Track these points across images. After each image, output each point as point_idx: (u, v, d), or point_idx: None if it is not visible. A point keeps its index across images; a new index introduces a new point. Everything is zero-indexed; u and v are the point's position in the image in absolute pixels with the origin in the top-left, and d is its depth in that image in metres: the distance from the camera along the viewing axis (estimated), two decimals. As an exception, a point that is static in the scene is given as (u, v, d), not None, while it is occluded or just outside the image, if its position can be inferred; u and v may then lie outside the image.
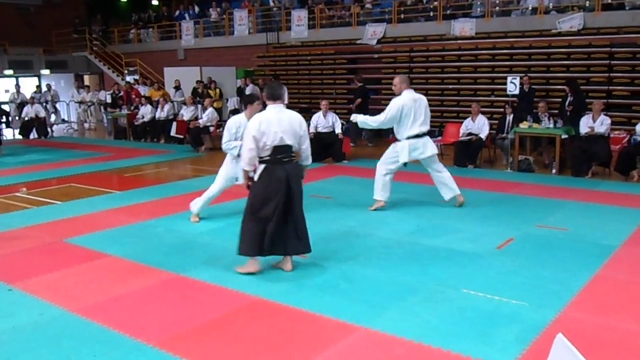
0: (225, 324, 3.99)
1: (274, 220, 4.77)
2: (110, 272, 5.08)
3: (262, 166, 4.82)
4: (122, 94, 17.95)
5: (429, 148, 7.08)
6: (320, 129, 11.03)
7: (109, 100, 18.23)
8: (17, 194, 8.60)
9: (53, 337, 3.82)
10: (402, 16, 15.93)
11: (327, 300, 4.33)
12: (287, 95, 13.55)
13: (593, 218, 6.62)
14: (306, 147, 5.00)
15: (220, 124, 15.61)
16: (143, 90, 18.51)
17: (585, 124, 9.33)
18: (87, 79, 24.22)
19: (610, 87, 11.98)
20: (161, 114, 14.93)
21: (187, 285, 4.73)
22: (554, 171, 9.61)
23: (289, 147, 4.83)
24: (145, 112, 15.19)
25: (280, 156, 4.79)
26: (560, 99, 11.50)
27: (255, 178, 4.86)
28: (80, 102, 20.15)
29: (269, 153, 4.77)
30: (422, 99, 7.11)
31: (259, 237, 4.81)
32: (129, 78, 21.15)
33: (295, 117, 4.93)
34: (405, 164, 7.10)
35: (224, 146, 6.46)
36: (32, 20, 23.76)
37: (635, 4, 12.48)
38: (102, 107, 19.44)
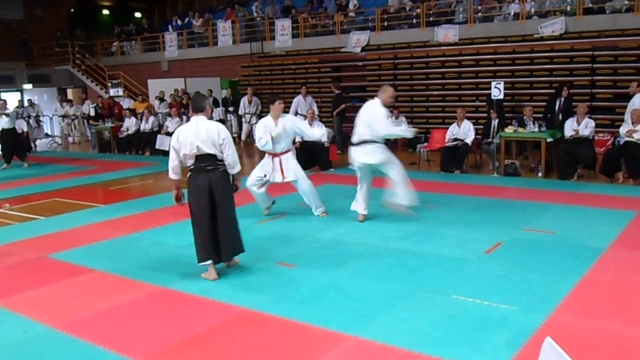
0: (213, 336, 3.95)
1: (204, 227, 5.05)
2: (95, 287, 5.02)
3: (188, 174, 5.13)
4: (104, 107, 17.84)
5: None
6: (306, 138, 11.01)
7: (92, 112, 18.11)
8: (0, 210, 8.49)
9: (37, 355, 3.76)
10: (386, 24, 16.01)
11: (315, 310, 4.31)
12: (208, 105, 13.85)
13: (579, 221, 6.66)
14: (229, 155, 5.11)
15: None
16: (128, 103, 18.42)
17: (570, 127, 9.41)
18: (70, 93, 24.06)
19: (594, 90, 12.10)
20: (146, 126, 14.85)
21: (173, 298, 4.68)
22: (540, 175, 9.67)
23: (211, 155, 5.03)
24: (130, 125, 15.11)
25: (203, 164, 5.04)
26: (544, 103, 11.59)
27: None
28: (64, 116, 20.00)
29: (193, 162, 5.07)
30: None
31: (202, 244, 5.07)
32: (112, 91, 21.03)
33: (214, 126, 5.09)
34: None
35: (259, 146, 7.10)
36: (14, 35, 23.57)
37: (616, 7, 12.66)
38: (85, 121, 19.30)
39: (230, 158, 5.11)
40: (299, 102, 13.32)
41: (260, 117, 14.41)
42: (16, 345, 3.92)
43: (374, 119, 6.71)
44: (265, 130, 7.00)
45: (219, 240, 5.07)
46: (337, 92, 13.73)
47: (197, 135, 4.99)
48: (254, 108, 15.67)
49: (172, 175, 5.22)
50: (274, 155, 7.13)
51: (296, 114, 12.44)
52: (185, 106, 16.70)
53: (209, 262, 5.07)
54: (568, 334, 3.79)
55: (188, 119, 13.46)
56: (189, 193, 5.14)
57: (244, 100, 15.72)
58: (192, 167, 5.09)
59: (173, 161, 5.13)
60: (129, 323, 4.23)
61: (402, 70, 14.96)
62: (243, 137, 15.84)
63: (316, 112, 11.91)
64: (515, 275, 4.91)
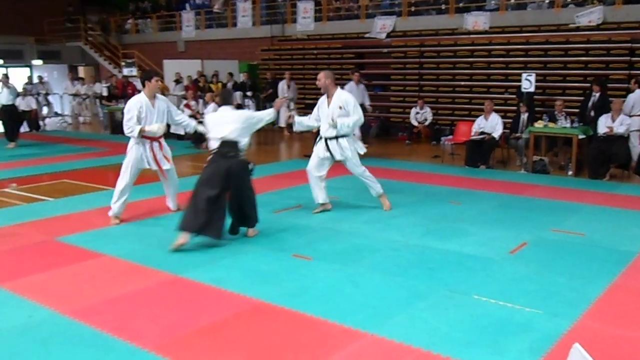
0: (224, 328, 3.99)
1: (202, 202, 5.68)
2: (105, 273, 5.08)
3: (210, 157, 6.12)
4: (117, 86, 17.97)
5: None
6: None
7: (104, 93, 18.25)
8: (7, 190, 8.62)
9: (42, 341, 3.81)
10: (413, 9, 15.91)
11: (331, 305, 4.33)
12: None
13: (611, 223, 6.59)
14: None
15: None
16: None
17: (604, 124, 9.30)
18: (81, 71, 24.25)
19: (631, 85, 11.91)
20: (160, 108, 14.92)
21: (185, 287, 4.73)
22: (570, 173, 9.58)
23: (233, 143, 5.89)
24: (143, 106, 15.18)
25: (225, 150, 5.90)
26: (577, 97, 11.45)
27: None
28: (75, 95, 20.18)
29: (216, 146, 6.00)
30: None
31: (192, 216, 5.79)
32: (126, 70, 21.16)
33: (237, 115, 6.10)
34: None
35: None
36: (22, 8, 23.76)
37: (659, -3, 12.42)
38: (97, 101, 19.46)
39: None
40: (351, 89, 12.01)
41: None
42: (20, 329, 3.98)
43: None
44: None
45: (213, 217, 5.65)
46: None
47: (223, 122, 5.91)
48: (292, 93, 15.57)
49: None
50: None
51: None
52: (202, 89, 16.77)
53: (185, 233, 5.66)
54: (595, 341, 3.76)
55: (205, 103, 13.61)
56: (205, 171, 5.87)
57: (282, 85, 15.63)
58: (215, 151, 5.93)
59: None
60: (139, 311, 4.28)
61: (428, 58, 14.86)
62: (283, 123, 15.51)
63: (367, 104, 11.80)
64: (541, 277, 4.89)
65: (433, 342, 3.73)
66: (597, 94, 10.42)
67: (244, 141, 5.97)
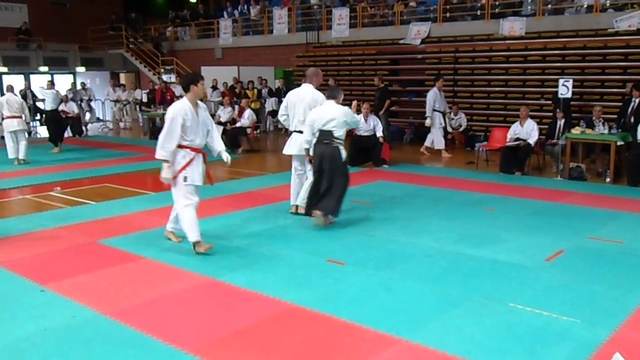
0: (259, 331, 4.02)
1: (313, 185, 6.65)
2: (144, 275, 5.18)
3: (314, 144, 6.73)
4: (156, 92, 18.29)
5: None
6: (361, 132, 11.02)
7: (144, 99, 18.60)
8: (51, 193, 8.84)
9: (85, 341, 3.90)
10: (448, 15, 15.81)
11: (365, 310, 4.32)
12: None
13: (651, 231, 6.43)
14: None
15: (258, 125, 15.79)
16: (179, 90, 18.81)
17: (644, 130, 9.08)
18: (122, 77, 24.76)
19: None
20: (197, 114, 15.12)
21: (222, 290, 4.78)
22: (608, 180, 9.37)
23: (329, 132, 6.51)
24: (181, 112, 15.40)
25: (322, 138, 6.57)
26: (616, 103, 11.21)
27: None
28: (116, 101, 20.61)
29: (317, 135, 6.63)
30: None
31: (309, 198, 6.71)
32: (165, 77, 21.53)
33: (341, 110, 6.68)
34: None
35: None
36: (68, 17, 24.39)
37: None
38: (137, 106, 19.85)
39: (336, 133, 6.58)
40: (436, 96, 12.30)
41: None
42: (65, 329, 4.08)
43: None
44: None
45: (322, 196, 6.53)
46: (381, 86, 13.22)
47: (326, 114, 6.55)
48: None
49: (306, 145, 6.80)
50: None
51: (433, 110, 12.24)
52: (238, 95, 16.94)
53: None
54: (636, 351, 3.67)
55: (241, 109, 13.76)
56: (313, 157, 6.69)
57: None
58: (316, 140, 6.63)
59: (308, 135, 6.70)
60: (177, 313, 4.34)
61: (463, 64, 14.74)
62: None
63: (378, 134, 11.26)
64: (579, 285, 4.79)
65: (468, 349, 3.69)
66: (637, 100, 10.18)
67: (339, 132, 6.57)
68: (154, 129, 16.52)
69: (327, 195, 6.55)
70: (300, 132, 7.05)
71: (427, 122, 12.32)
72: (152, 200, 8.22)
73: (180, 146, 5.70)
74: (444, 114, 12.47)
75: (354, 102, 11.23)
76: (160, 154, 5.67)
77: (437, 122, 12.28)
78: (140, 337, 3.94)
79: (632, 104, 10.27)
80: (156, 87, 18.42)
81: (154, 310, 4.41)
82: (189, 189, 5.74)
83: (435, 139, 12.44)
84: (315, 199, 6.60)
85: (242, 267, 5.33)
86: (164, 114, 16.86)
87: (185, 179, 5.72)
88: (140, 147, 14.38)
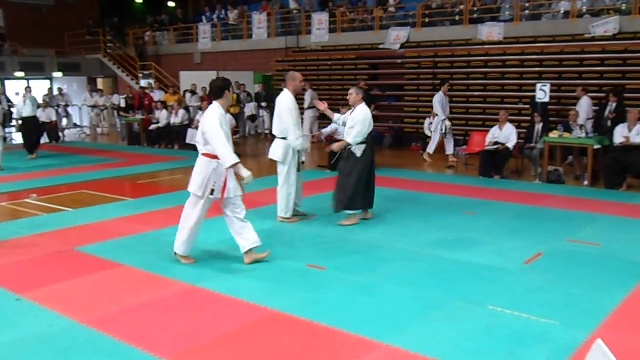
0: (240, 337, 4.01)
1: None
2: (122, 282, 5.13)
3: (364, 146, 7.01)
4: (134, 98, 18.17)
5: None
6: (341, 137, 11.03)
7: (122, 104, 18.46)
8: (27, 200, 8.73)
9: (61, 350, 3.85)
10: (427, 20, 15.93)
11: (346, 315, 4.33)
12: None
13: (627, 233, 6.53)
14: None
15: (237, 130, 15.74)
16: (158, 95, 18.70)
17: (620, 134, 9.22)
18: (100, 82, 24.54)
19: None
20: (175, 119, 15.07)
21: (201, 297, 4.76)
22: (585, 183, 9.51)
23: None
24: (161, 117, 15.35)
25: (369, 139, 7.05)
26: (593, 107, 11.38)
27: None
28: (93, 106, 20.41)
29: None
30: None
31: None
32: (143, 82, 21.38)
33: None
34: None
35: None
36: (44, 21, 24.12)
37: (675, 7, 12.34)
38: (115, 112, 19.68)
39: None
40: (442, 100, 12.24)
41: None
42: (40, 338, 4.03)
43: (282, 112, 7.00)
44: None
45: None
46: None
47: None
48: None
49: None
50: None
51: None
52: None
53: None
54: (613, 352, 3.72)
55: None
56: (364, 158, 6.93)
57: (309, 94, 15.54)
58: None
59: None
60: (156, 320, 4.31)
61: (442, 69, 14.85)
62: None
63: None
64: (557, 288, 4.85)
65: (448, 352, 3.71)
66: (614, 104, 10.35)
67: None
68: (132, 135, 16.43)
69: (336, 192, 7.04)
70: (284, 138, 7.06)
71: (447, 124, 12.16)
72: (130, 207, 8.16)
73: (213, 156, 5.39)
74: (445, 119, 12.26)
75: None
76: (232, 158, 5.30)
77: (438, 127, 12.17)
78: (119, 345, 3.90)
79: (608, 107, 10.44)
80: (132, 94, 18.32)
81: (132, 317, 4.37)
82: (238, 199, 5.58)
83: (431, 144, 12.39)
84: (369, 197, 7.10)
85: (222, 273, 5.31)
86: (142, 119, 16.76)
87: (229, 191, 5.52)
88: (118, 153, 14.25)
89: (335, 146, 7.32)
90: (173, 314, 4.42)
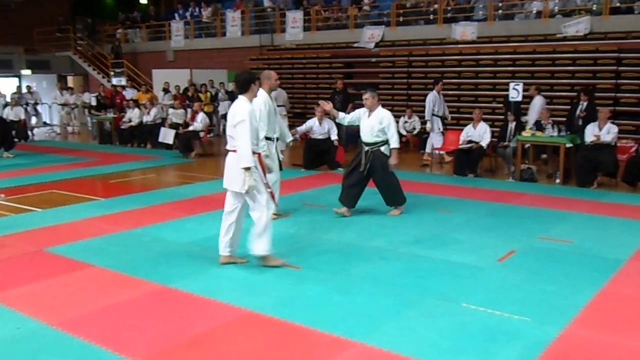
0: (214, 338, 3.98)
1: None
2: (93, 284, 5.06)
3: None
4: (105, 96, 17.94)
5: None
6: (315, 135, 11.06)
7: (93, 102, 18.22)
8: (-4, 201, 8.57)
9: (30, 353, 3.78)
10: (401, 19, 16.02)
11: (321, 314, 4.33)
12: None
13: (599, 230, 6.65)
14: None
15: (211, 128, 15.64)
16: (130, 93, 18.50)
17: (591, 133, 9.38)
18: (70, 80, 24.19)
19: (618, 95, 12.06)
20: (148, 118, 14.92)
21: (174, 297, 4.71)
22: (557, 181, 9.65)
23: None
24: (133, 116, 15.18)
25: None
26: (565, 106, 11.56)
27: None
28: (63, 105, 20.10)
29: None
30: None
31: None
32: (115, 80, 21.12)
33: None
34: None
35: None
36: (13, 17, 23.66)
37: (644, 7, 12.60)
38: (86, 110, 19.41)
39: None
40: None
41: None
42: (9, 341, 3.95)
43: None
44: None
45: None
46: (342, 88, 13.46)
47: None
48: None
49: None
50: None
51: (433, 114, 11.89)
52: (190, 98, 16.76)
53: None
54: (584, 348, 3.79)
55: (194, 112, 13.61)
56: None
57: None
58: None
59: None
60: (128, 322, 4.26)
61: (416, 68, 14.96)
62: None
63: (332, 137, 11.21)
64: (530, 285, 4.91)
65: (422, 350, 3.73)
66: (585, 103, 10.51)
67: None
68: (104, 134, 16.22)
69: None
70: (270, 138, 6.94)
71: (427, 126, 11.93)
72: (101, 207, 8.05)
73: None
74: (443, 118, 12.12)
75: (319, 109, 11.19)
76: (249, 161, 5.13)
77: (436, 127, 12.03)
78: (89, 347, 3.84)
79: (580, 106, 10.61)
80: (104, 92, 18.10)
81: (103, 319, 4.31)
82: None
83: (435, 144, 12.29)
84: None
85: (195, 273, 5.27)
86: (114, 118, 16.58)
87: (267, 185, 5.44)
88: (89, 152, 14.06)
89: (396, 160, 7.45)
90: (145, 315, 4.37)
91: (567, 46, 12.88)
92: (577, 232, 6.55)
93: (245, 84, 5.41)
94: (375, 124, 7.28)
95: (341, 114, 7.75)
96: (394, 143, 7.32)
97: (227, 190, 5.43)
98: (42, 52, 23.58)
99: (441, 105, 12.18)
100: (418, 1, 16.18)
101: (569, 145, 9.59)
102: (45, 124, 20.26)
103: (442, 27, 14.98)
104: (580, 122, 10.30)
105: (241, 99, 5.38)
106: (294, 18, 17.82)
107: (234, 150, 5.29)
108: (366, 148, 7.38)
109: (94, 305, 4.55)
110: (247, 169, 5.12)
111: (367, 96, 7.36)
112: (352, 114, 7.66)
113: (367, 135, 7.38)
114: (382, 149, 7.35)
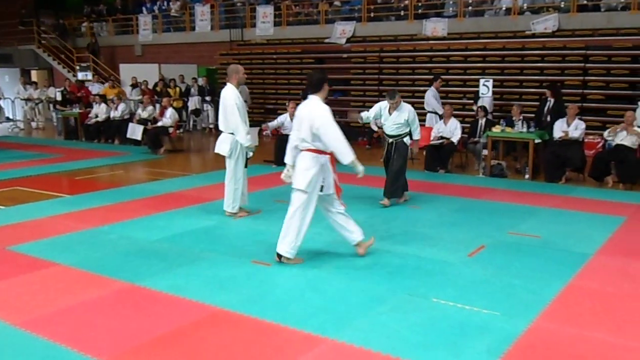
0: (183, 336, 3.95)
1: None
2: (59, 282, 4.98)
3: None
4: (71, 91, 17.64)
5: None
6: (287, 131, 11.01)
7: (59, 97, 17.89)
8: (-44, 198, 8.36)
9: (-6, 353, 3.72)
10: (372, 15, 16.07)
11: (291, 311, 4.33)
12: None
13: (566, 225, 6.78)
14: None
15: (180, 124, 15.51)
16: (97, 88, 18.22)
17: (559, 129, 9.55)
18: (34, 75, 23.70)
19: (585, 91, 12.29)
20: (115, 113, 14.71)
21: (142, 296, 4.66)
22: (527, 177, 9.80)
23: None
24: (99, 111, 14.95)
25: None
26: (534, 102, 11.74)
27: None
28: (27, 100, 19.71)
29: None
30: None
31: None
32: (80, 75, 20.78)
33: None
34: None
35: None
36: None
37: (611, 5, 12.86)
38: (51, 105, 19.06)
39: None
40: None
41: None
42: (-29, 341, 3.87)
43: (228, 108, 6.93)
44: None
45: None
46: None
47: None
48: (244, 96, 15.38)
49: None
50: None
51: (429, 111, 12.13)
52: (159, 93, 16.59)
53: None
54: (551, 341, 3.86)
55: (162, 108, 13.48)
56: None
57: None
58: None
59: None
60: (94, 321, 4.20)
61: (387, 64, 15.03)
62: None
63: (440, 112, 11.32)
64: (499, 279, 4.99)
65: (392, 345, 3.76)
66: (552, 100, 10.69)
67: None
68: (69, 129, 15.96)
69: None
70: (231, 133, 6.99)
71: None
72: (67, 204, 7.92)
73: (321, 151, 5.34)
74: (441, 116, 11.87)
75: (291, 104, 11.11)
76: (351, 153, 5.30)
77: (434, 124, 12.10)
78: (54, 347, 3.78)
79: (548, 103, 10.78)
80: (70, 87, 17.80)
81: (69, 319, 4.24)
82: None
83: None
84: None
85: (163, 270, 5.22)
86: (80, 113, 16.30)
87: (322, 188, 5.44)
88: (54, 148, 13.81)
89: (417, 147, 8.21)
90: (111, 314, 4.31)
91: (536, 43, 13.07)
92: (546, 227, 6.66)
93: (318, 84, 5.43)
94: (400, 118, 7.78)
95: (364, 114, 8.13)
96: (417, 135, 7.91)
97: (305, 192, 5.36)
98: (4, 45, 23.02)
99: (439, 102, 12.28)
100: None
101: (537, 141, 9.74)
102: (8, 119, 19.82)
103: (413, 23, 15.06)
104: (549, 119, 10.48)
105: (313, 99, 5.39)
106: (265, 13, 17.74)
107: (317, 150, 5.31)
108: (390, 140, 7.94)
109: (59, 305, 4.48)
110: (354, 160, 5.29)
111: (396, 99, 7.76)
112: (372, 110, 8.05)
113: (392, 128, 7.88)
114: (405, 140, 7.86)
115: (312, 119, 5.23)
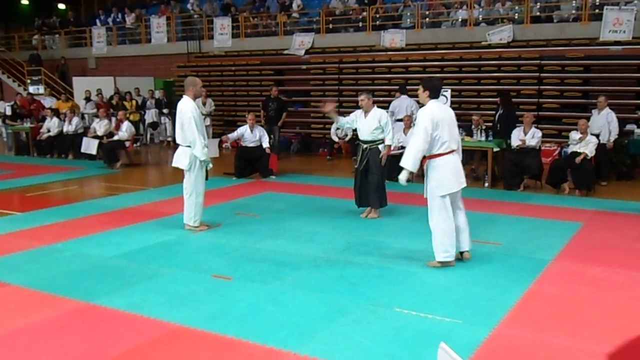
0: (141, 356, 3.86)
1: None
2: (8, 304, 4.81)
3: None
4: (22, 105, 17.22)
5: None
6: (246, 143, 10.98)
7: (8, 112, 17.44)
8: None
9: (-61, 379, 3.57)
10: (331, 26, 16.19)
11: (253, 325, 4.28)
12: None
13: (525, 232, 6.90)
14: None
15: (137, 137, 15.30)
16: (49, 102, 17.84)
17: (517, 137, 9.75)
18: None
19: (540, 100, 12.60)
20: (69, 127, 14.42)
21: (97, 315, 4.55)
22: (486, 185, 9.96)
23: None
24: (51, 126, 14.63)
25: None
26: (491, 111, 11.97)
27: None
28: (-25, 114, 19.15)
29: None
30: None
31: None
32: (32, 88, 20.32)
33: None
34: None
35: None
36: None
37: (563, 17, 13.27)
38: (0, 120, 18.55)
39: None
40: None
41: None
42: None
43: (185, 121, 6.92)
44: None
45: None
46: (277, 96, 13.60)
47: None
48: (209, 108, 15.29)
49: None
50: None
51: (392, 114, 11.81)
52: (115, 107, 16.33)
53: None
54: (512, 347, 3.91)
55: (118, 121, 13.26)
56: None
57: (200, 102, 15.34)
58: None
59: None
60: (47, 342, 4.07)
61: (347, 75, 15.14)
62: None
63: (264, 145, 10.96)
64: (461, 287, 5.04)
65: (356, 357, 3.75)
66: (503, 109, 10.93)
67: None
68: (20, 144, 15.56)
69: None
70: (188, 146, 6.95)
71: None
72: (18, 221, 7.70)
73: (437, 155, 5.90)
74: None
75: (250, 116, 11.08)
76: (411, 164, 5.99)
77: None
78: (4, 371, 3.66)
79: (499, 112, 11.03)
80: (18, 102, 17.39)
81: (19, 341, 4.10)
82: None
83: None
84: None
85: (119, 288, 5.11)
86: (31, 128, 15.90)
87: None
88: (4, 164, 13.42)
89: (385, 155, 7.82)
90: (65, 335, 4.19)
91: (492, 53, 13.36)
92: (505, 234, 6.78)
93: (437, 91, 5.76)
94: (373, 123, 7.66)
95: (341, 118, 8.09)
96: (389, 140, 7.79)
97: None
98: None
99: (403, 110, 12.19)
100: (347, 8, 16.40)
101: (496, 149, 9.92)
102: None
103: (371, 35, 15.23)
104: (499, 127, 10.70)
105: (432, 103, 5.65)
106: (222, 25, 17.69)
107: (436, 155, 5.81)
108: (364, 146, 7.77)
109: (10, 327, 4.33)
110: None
111: (362, 97, 7.72)
112: (349, 116, 7.99)
113: (366, 134, 7.75)
114: (380, 147, 7.73)
115: (454, 121, 5.81)
